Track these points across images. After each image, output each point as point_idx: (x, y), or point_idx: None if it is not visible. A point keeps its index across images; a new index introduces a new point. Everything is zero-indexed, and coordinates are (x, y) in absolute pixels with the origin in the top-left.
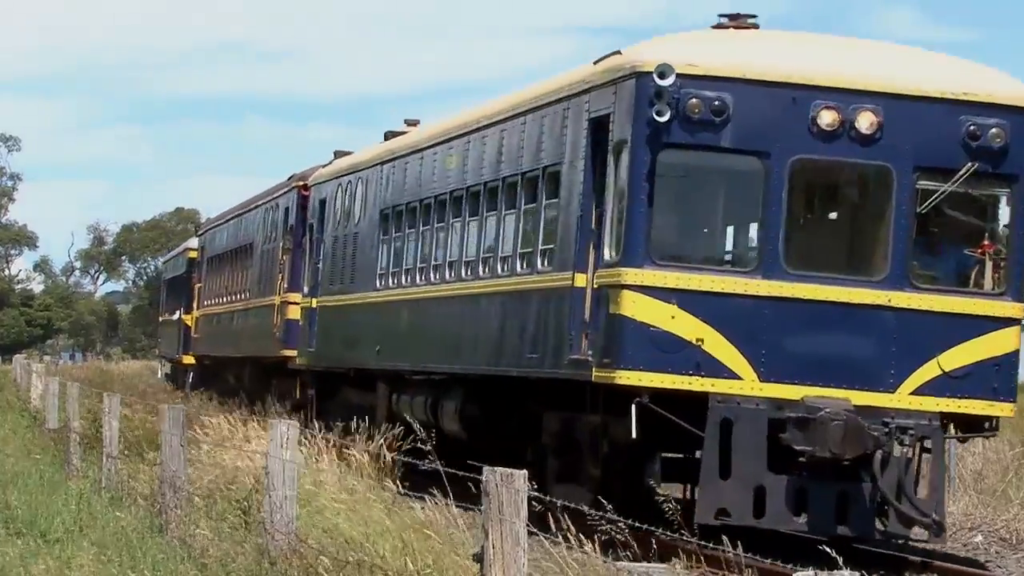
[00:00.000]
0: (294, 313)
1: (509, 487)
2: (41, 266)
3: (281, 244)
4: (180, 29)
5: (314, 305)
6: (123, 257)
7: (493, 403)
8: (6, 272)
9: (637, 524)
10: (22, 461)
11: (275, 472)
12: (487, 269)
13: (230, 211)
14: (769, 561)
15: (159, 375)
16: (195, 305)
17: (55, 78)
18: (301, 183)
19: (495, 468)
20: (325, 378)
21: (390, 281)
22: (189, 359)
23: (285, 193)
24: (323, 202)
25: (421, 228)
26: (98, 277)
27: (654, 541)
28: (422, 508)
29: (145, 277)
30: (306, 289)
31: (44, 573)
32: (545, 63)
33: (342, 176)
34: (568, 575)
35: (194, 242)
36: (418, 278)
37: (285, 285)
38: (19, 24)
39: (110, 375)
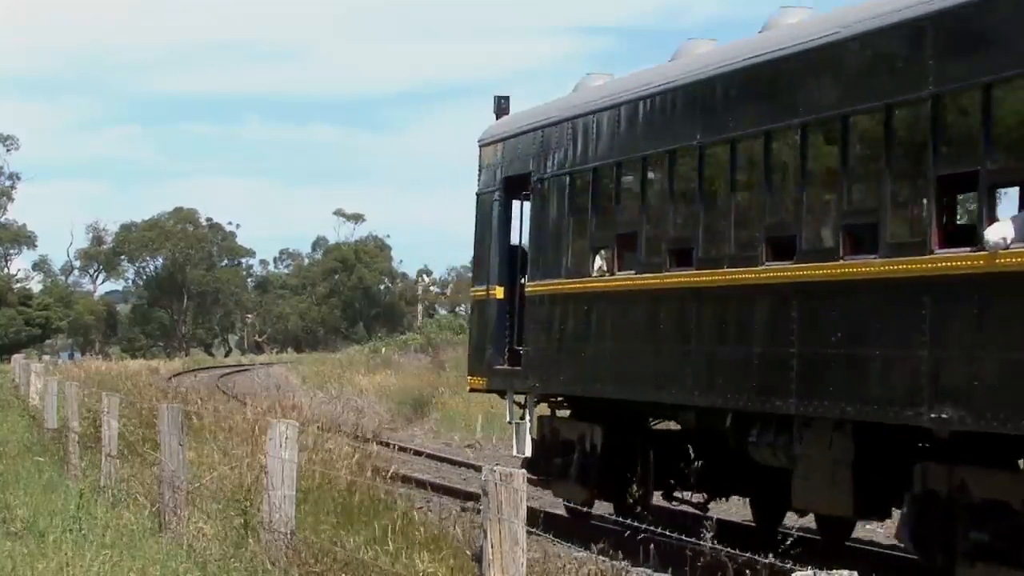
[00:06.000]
0: None
1: (508, 487)
2: (40, 265)
3: None
4: (180, 29)
5: None
6: (122, 257)
7: None
8: (5, 271)
9: (637, 525)
10: (22, 461)
11: (274, 472)
12: None
13: None
14: (769, 560)
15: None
16: None
17: (55, 78)
18: None
19: (494, 467)
20: None
21: None
22: None
23: None
24: None
25: None
26: (97, 277)
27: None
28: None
29: (144, 276)
30: None
31: (44, 573)
32: (545, 63)
33: None
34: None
35: None
36: None
37: None
38: (19, 24)
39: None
